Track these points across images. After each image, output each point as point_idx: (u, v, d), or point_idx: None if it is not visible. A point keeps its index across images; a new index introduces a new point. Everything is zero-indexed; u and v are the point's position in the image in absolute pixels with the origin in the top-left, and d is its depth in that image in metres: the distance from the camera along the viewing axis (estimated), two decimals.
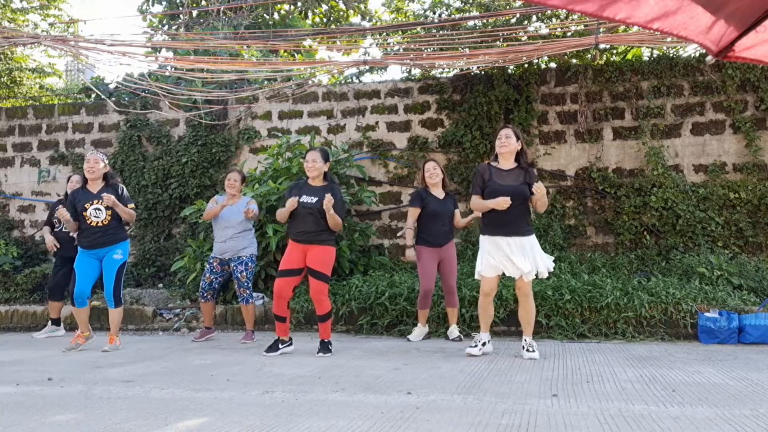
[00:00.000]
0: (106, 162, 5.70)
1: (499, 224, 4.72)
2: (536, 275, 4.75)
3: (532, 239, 4.77)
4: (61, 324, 6.78)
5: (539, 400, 3.41)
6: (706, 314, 5.55)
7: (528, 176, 4.77)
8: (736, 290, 6.21)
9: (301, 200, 4.97)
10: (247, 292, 5.93)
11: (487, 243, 4.78)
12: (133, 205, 5.70)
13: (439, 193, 5.76)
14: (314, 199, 4.98)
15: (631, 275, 6.87)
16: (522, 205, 4.73)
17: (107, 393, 3.77)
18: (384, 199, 8.56)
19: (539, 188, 4.61)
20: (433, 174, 5.72)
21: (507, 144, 4.76)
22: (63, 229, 6.54)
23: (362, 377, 4.10)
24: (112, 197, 5.41)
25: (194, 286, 7.23)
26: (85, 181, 5.64)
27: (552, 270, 4.86)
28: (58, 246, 6.62)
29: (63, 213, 5.51)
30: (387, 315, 6.14)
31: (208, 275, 5.99)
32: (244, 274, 5.89)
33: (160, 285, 8.47)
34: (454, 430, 2.86)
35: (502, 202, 4.58)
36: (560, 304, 5.80)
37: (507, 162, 4.82)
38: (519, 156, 4.83)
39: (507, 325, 5.95)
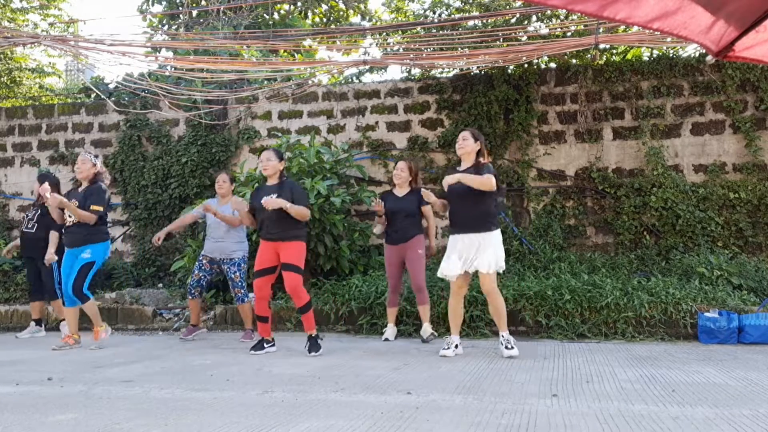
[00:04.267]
0: (97, 162, 5.71)
1: (454, 222, 4.95)
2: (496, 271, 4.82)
3: (488, 236, 4.79)
4: (42, 324, 6.79)
5: (539, 400, 3.41)
6: (706, 314, 5.54)
7: (478, 171, 4.83)
8: (735, 290, 6.20)
9: (261, 201, 5.08)
10: (242, 291, 6.04)
11: (450, 241, 4.95)
12: (98, 207, 5.54)
13: (400, 191, 5.91)
14: (274, 197, 5.05)
15: (631, 275, 6.87)
16: (471, 202, 4.79)
17: (107, 393, 3.77)
18: None
19: (450, 178, 4.78)
20: (397, 175, 5.92)
21: (463, 146, 4.96)
22: (25, 229, 6.62)
23: (362, 377, 4.09)
24: (57, 198, 5.47)
25: None
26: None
27: (501, 271, 4.90)
28: (17, 252, 6.95)
29: (54, 197, 5.49)
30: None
31: (197, 272, 6.09)
32: (238, 274, 6.02)
33: (160, 285, 8.47)
34: (454, 430, 2.86)
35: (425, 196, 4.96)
36: (560, 304, 5.80)
37: (466, 163, 4.98)
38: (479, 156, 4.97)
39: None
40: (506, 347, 4.82)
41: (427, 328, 5.72)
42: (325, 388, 3.77)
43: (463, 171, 4.92)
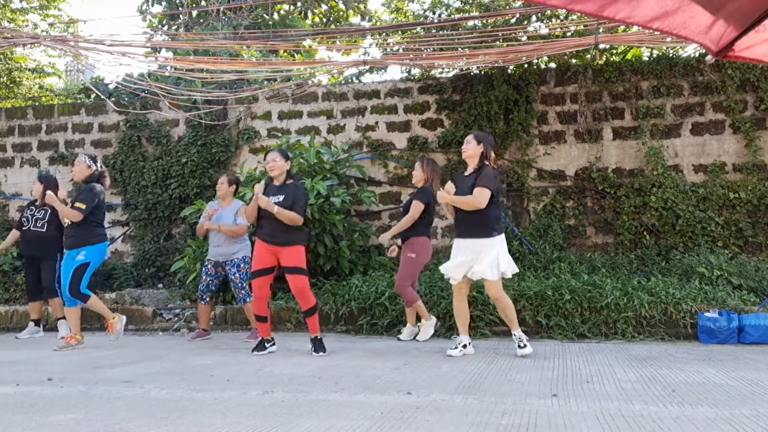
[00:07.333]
0: (90, 163, 5.72)
1: (456, 227, 4.96)
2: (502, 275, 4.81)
3: (489, 242, 4.74)
4: (41, 325, 6.78)
5: (539, 400, 3.41)
6: (706, 314, 5.54)
7: (477, 177, 4.77)
8: (735, 290, 6.21)
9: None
10: (242, 292, 6.05)
11: (454, 244, 4.97)
12: (81, 205, 5.48)
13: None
14: (280, 198, 4.98)
15: (631, 275, 6.87)
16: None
17: (107, 393, 3.77)
18: (384, 199, 8.56)
19: (440, 196, 4.78)
20: (413, 175, 5.88)
21: (466, 149, 4.92)
22: (33, 227, 6.59)
23: (362, 377, 4.09)
24: (51, 196, 5.72)
25: (194, 286, 7.25)
26: None
27: (511, 276, 4.91)
28: (16, 251, 6.87)
29: (50, 195, 5.76)
30: (387, 315, 6.14)
31: (204, 278, 6.15)
32: (238, 275, 6.02)
33: (160, 285, 8.47)
34: (454, 430, 2.86)
35: (440, 197, 4.82)
36: (560, 304, 5.80)
37: (470, 167, 4.94)
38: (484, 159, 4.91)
39: (506, 325, 5.93)
40: (519, 346, 4.82)
41: (404, 330, 5.82)
42: (325, 389, 3.77)
43: (467, 176, 4.88)
